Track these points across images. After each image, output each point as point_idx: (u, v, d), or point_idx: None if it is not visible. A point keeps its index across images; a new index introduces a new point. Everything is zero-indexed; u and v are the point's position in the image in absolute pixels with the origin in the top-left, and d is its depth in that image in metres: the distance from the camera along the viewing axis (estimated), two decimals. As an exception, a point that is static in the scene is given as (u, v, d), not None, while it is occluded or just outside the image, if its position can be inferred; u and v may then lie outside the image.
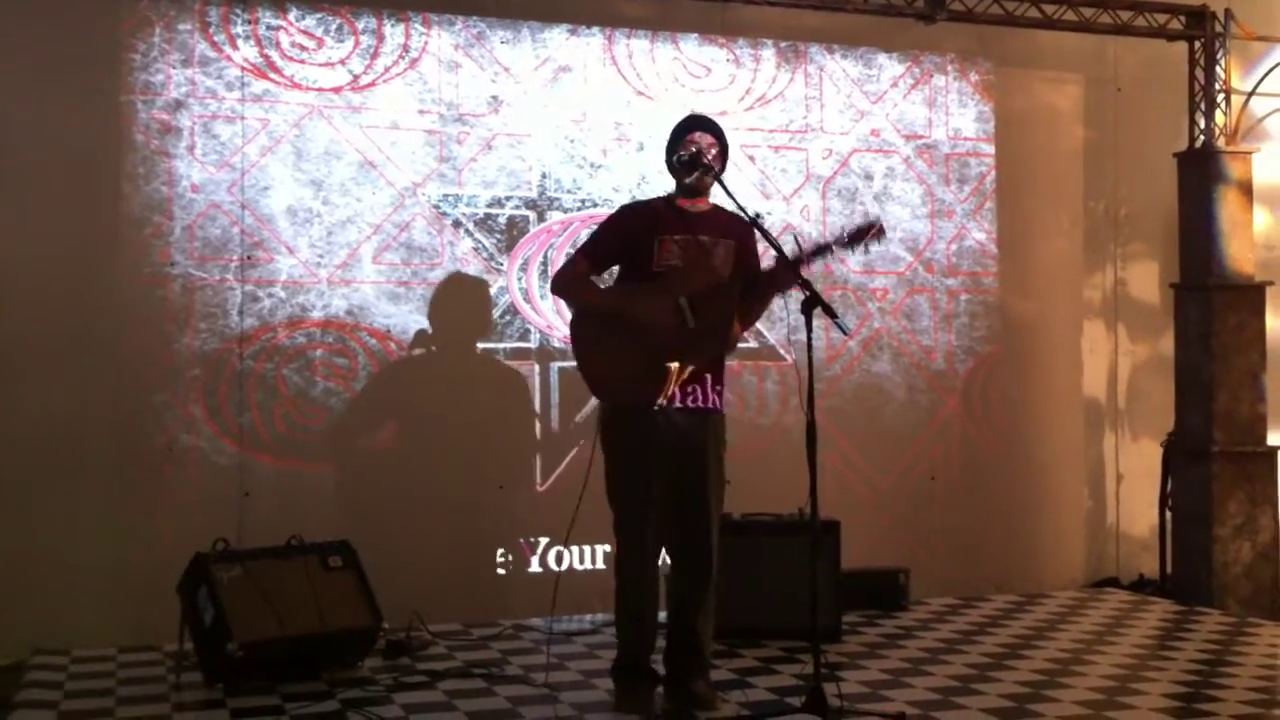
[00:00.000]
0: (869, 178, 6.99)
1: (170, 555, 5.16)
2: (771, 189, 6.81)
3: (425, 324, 6.17)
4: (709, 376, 4.55)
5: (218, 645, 4.76)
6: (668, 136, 4.72)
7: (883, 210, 6.95)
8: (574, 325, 4.62)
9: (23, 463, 5.52)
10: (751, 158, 6.78)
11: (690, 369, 4.43)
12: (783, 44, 6.83)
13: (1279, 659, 5.43)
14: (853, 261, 6.80)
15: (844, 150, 6.96)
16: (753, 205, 6.60)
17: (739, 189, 6.52)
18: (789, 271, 4.39)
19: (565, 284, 4.66)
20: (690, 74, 6.71)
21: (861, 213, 6.87)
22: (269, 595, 4.91)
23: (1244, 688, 4.83)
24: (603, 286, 4.79)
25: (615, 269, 4.77)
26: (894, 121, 7.04)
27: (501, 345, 6.33)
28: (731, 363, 6.60)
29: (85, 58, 5.72)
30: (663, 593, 4.69)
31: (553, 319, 6.31)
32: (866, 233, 4.39)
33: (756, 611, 5.62)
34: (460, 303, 6.24)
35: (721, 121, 6.42)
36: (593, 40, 6.54)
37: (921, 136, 7.09)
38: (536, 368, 6.35)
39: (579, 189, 6.48)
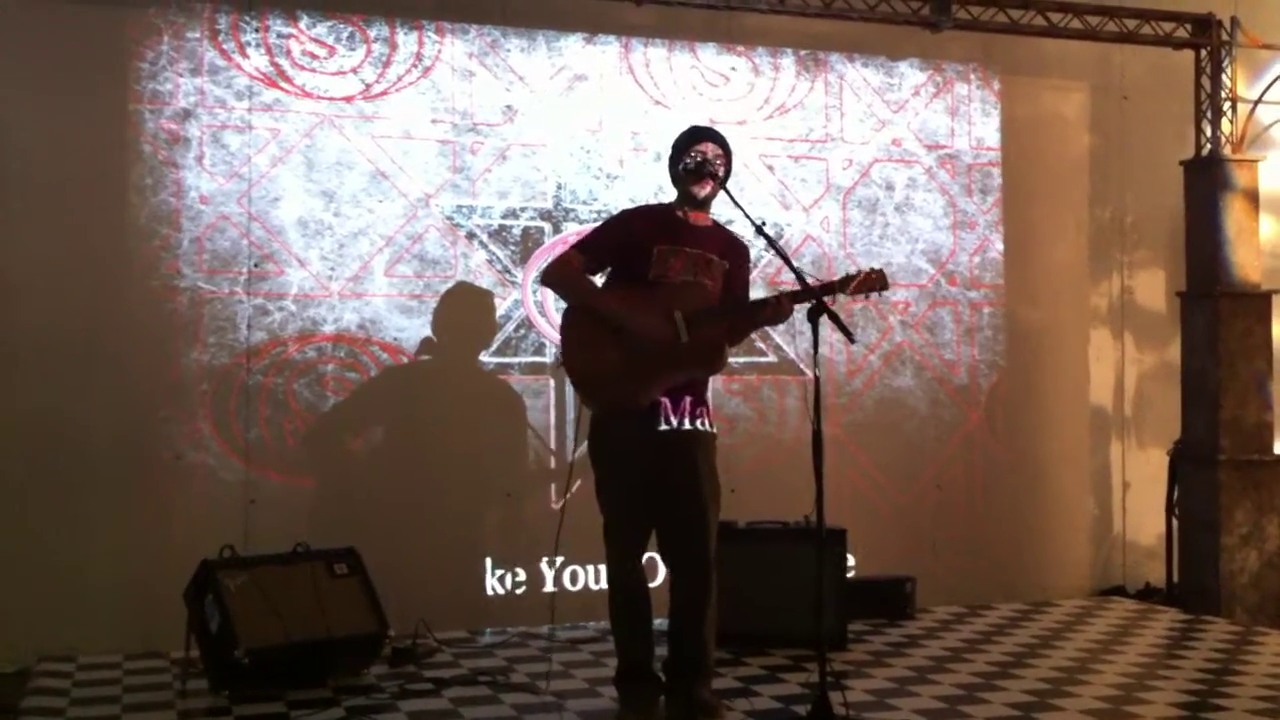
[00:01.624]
0: (890, 188, 6.95)
1: (177, 562, 5.17)
2: (791, 199, 6.75)
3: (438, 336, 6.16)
4: (689, 399, 4.52)
5: (224, 652, 4.77)
6: (671, 146, 4.69)
7: (904, 221, 6.93)
8: (563, 327, 4.62)
9: (28, 470, 5.52)
10: (770, 167, 6.72)
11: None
12: (802, 52, 6.78)
13: (1286, 668, 5.43)
14: None
15: (865, 160, 6.91)
16: (772, 216, 6.62)
17: (757, 199, 6.56)
18: (785, 304, 4.41)
19: (558, 275, 4.62)
20: (708, 83, 6.66)
21: (880, 225, 6.88)
22: (275, 602, 4.92)
23: (1250, 697, 4.82)
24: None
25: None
26: (916, 131, 7.01)
27: (516, 360, 6.27)
28: (751, 377, 6.59)
29: (91, 66, 5.69)
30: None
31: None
32: (871, 285, 4.38)
33: (762, 619, 5.62)
34: (468, 312, 6.20)
35: (740, 131, 6.50)
36: (609, 49, 6.49)
37: (944, 146, 7.06)
38: (552, 383, 6.29)
39: (595, 200, 6.42)
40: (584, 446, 4.62)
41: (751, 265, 4.97)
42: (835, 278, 4.52)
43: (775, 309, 4.44)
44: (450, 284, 6.16)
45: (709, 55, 6.67)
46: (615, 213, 4.96)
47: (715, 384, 6.46)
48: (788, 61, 6.79)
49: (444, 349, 6.16)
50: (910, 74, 7.02)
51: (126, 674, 5.21)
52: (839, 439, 6.62)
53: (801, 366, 6.65)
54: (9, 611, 5.39)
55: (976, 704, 4.73)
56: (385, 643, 5.23)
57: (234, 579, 4.92)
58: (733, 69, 6.69)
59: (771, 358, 6.67)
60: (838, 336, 6.44)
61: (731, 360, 6.42)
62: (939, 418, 6.97)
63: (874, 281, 4.39)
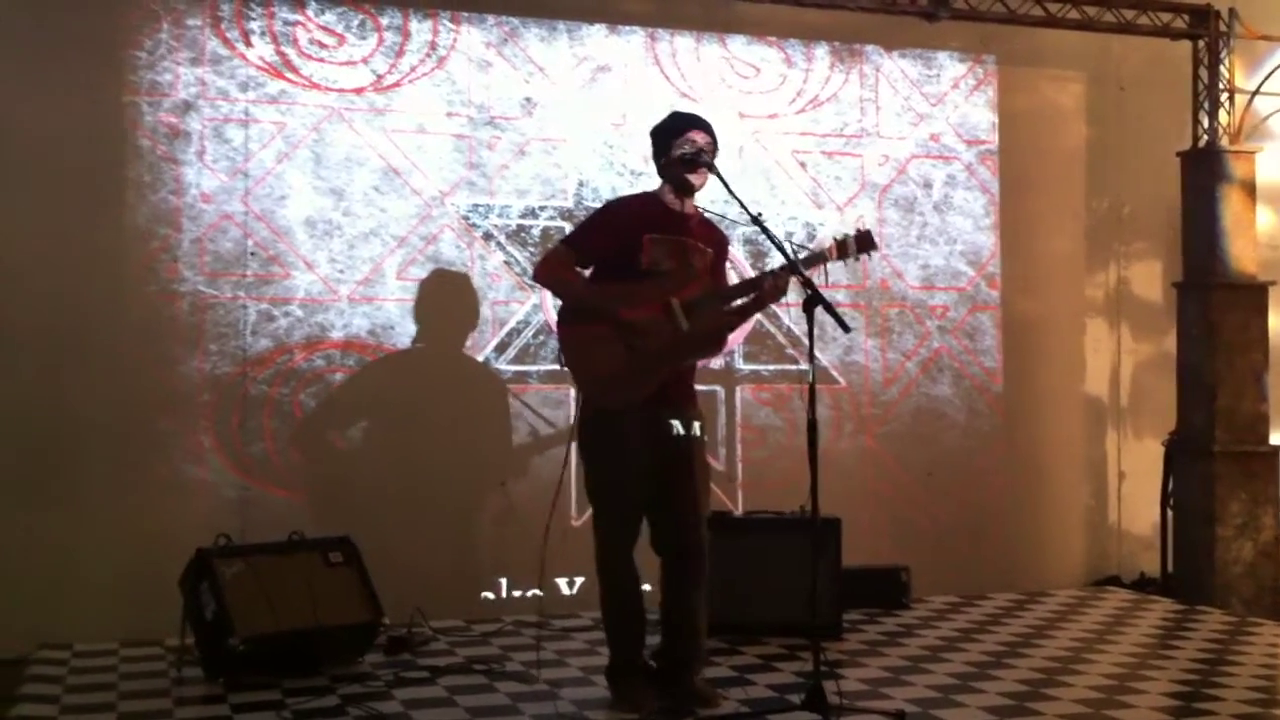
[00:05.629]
0: (928, 186, 6.81)
1: (173, 551, 5.16)
2: (824, 198, 6.60)
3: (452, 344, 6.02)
4: (684, 418, 4.49)
5: (219, 640, 4.78)
6: (654, 133, 4.63)
7: (943, 221, 6.80)
8: (561, 324, 4.59)
9: (24, 462, 5.46)
10: (803, 164, 6.56)
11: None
12: (837, 43, 6.65)
13: (1280, 658, 5.44)
14: (910, 276, 6.69)
15: (901, 156, 6.75)
16: (804, 215, 6.50)
17: (790, 196, 6.45)
18: (781, 279, 4.38)
19: (550, 272, 4.57)
20: (738, 74, 6.50)
21: (918, 224, 6.79)
22: (270, 590, 4.93)
23: (1244, 687, 4.83)
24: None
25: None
26: (955, 125, 6.87)
27: (534, 368, 6.10)
28: (782, 386, 6.45)
29: (86, 56, 5.55)
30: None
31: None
32: (861, 245, 4.32)
33: (757, 608, 5.62)
34: (460, 302, 6.08)
35: (771, 125, 6.42)
36: (634, 39, 6.31)
37: (985, 142, 6.93)
38: (572, 393, 5.99)
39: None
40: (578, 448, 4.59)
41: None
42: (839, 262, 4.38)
43: (773, 284, 4.40)
44: (456, 284, 6.00)
45: (739, 46, 6.50)
46: (599, 206, 4.91)
47: (744, 394, 6.43)
48: (821, 53, 6.63)
49: (437, 338, 6.04)
50: (950, 65, 6.87)
51: (122, 661, 5.21)
52: (873, 450, 6.59)
53: (834, 374, 6.56)
54: (7, 600, 5.38)
55: (970, 693, 4.73)
56: (380, 631, 5.24)
57: (229, 567, 4.93)
58: (778, 59, 6.49)
59: (803, 365, 6.47)
60: (873, 343, 6.41)
61: (761, 369, 6.41)
62: (978, 429, 6.86)
63: (860, 244, 4.31)
